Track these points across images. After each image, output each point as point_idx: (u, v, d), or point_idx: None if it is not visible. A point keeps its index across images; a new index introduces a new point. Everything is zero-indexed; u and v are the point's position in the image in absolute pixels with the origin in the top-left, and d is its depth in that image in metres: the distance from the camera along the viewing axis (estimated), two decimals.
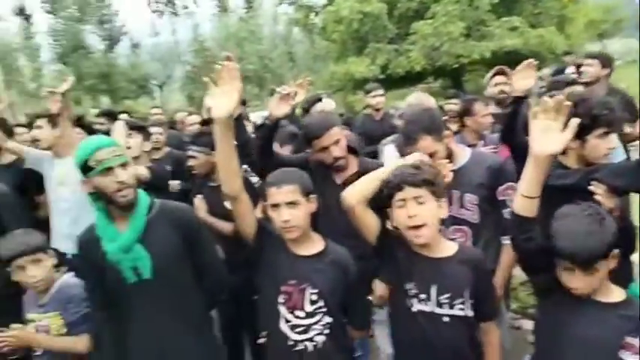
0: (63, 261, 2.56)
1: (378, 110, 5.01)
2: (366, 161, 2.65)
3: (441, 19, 13.53)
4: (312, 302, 1.88)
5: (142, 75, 30.11)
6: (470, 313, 1.81)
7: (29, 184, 3.58)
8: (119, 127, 3.46)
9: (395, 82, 15.19)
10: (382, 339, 2.65)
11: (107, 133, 4.54)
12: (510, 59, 13.41)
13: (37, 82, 31.26)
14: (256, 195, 2.44)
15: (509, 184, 2.34)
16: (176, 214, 2.04)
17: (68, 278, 2.34)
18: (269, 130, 2.56)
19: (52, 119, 3.28)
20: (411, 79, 15.82)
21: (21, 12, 31.93)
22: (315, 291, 1.88)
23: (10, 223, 2.60)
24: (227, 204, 2.02)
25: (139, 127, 3.56)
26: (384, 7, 13.96)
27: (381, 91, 5.03)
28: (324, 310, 1.89)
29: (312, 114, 3.32)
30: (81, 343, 2.20)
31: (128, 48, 32.14)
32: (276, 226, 1.90)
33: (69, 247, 3.03)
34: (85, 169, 1.87)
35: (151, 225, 1.95)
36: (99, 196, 1.91)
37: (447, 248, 1.87)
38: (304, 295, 1.88)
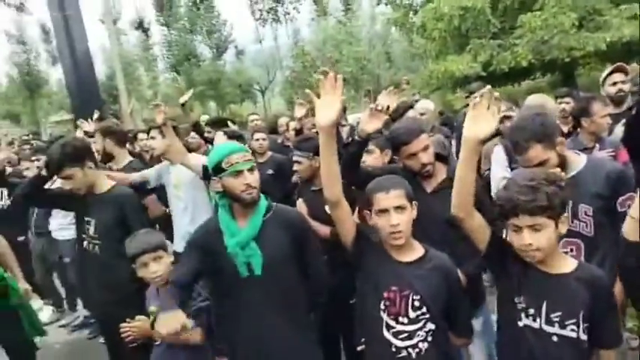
0: (179, 259, 2.77)
1: None
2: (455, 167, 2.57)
3: (551, 10, 12.64)
4: (415, 308, 1.87)
5: (246, 80, 31.57)
6: (583, 336, 1.67)
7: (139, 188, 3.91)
8: (219, 139, 3.75)
9: (498, 78, 14.48)
10: (476, 348, 2.57)
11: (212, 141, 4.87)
12: (629, 51, 12.22)
13: (153, 89, 34.07)
14: (354, 200, 2.47)
15: (631, 194, 2.11)
16: (289, 217, 2.21)
17: None
18: (358, 146, 2.52)
19: (161, 130, 3.57)
20: (515, 75, 14.98)
21: (140, 25, 34.99)
22: (418, 297, 1.87)
23: (135, 223, 2.81)
24: (327, 208, 2.06)
25: (238, 137, 3.74)
26: (487, 0, 13.36)
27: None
28: (427, 316, 1.87)
29: (401, 120, 3.27)
30: (195, 334, 2.35)
31: (234, 55, 33.92)
32: (383, 232, 1.90)
33: None
34: (218, 170, 2.08)
35: (267, 225, 2.12)
36: (225, 194, 2.12)
37: (565, 264, 1.74)
38: (407, 301, 1.87)
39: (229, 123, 5.23)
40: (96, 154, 3.33)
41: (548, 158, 2.07)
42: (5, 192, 4.91)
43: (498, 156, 3.51)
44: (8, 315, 3.26)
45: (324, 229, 2.91)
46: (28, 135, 11.82)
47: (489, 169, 3.63)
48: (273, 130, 5.93)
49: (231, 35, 33.36)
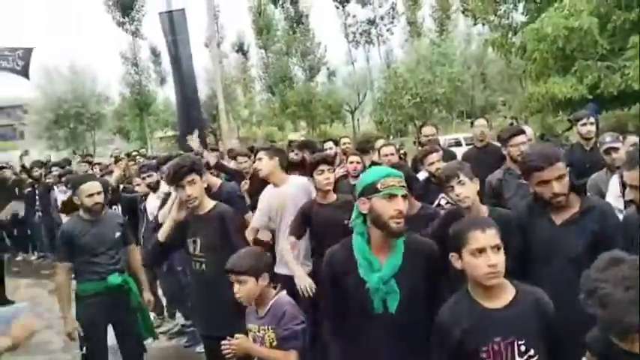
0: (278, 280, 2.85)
1: (588, 140, 4.51)
2: (589, 200, 2.42)
3: None
4: (522, 354, 1.79)
5: (336, 101, 32.11)
6: None
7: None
8: None
9: (606, 102, 13.51)
10: None
11: (302, 162, 4.99)
12: None
13: (249, 109, 35.73)
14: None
15: None
16: (424, 250, 2.12)
17: (283, 296, 2.59)
18: None
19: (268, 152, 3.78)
20: (625, 98, 13.89)
21: (240, 49, 36.98)
22: (523, 341, 1.78)
23: (236, 237, 2.99)
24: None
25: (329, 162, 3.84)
26: (595, 20, 12.58)
27: (592, 119, 4.51)
28: (535, 358, 1.79)
29: (535, 145, 3.15)
30: (289, 357, 2.37)
31: (325, 76, 34.72)
32: (479, 272, 1.82)
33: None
34: (371, 190, 2.02)
35: (405, 260, 2.04)
36: (365, 219, 2.06)
37: None
38: (513, 348, 1.79)
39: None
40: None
41: None
42: (119, 208, 5.39)
43: (613, 187, 3.31)
44: (128, 315, 3.63)
45: None
46: (137, 151, 12.81)
47: None
48: (362, 150, 5.95)
49: (324, 57, 34.24)
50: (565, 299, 1.84)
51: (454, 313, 1.90)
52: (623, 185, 3.20)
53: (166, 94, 34.43)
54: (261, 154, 3.81)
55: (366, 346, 2.07)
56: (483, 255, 1.81)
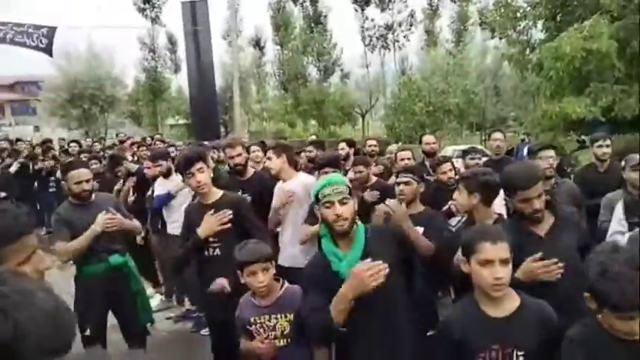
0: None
1: (603, 161, 4.58)
2: (560, 209, 2.66)
3: None
4: None
5: (348, 103, 32.16)
6: None
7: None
8: None
9: (619, 125, 13.55)
10: None
11: (313, 160, 5.12)
12: None
13: (261, 104, 35.83)
14: None
15: None
16: (386, 233, 2.41)
17: (290, 285, 2.71)
18: None
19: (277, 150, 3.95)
20: (639, 123, 13.93)
21: (256, 43, 37.08)
22: (522, 353, 1.84)
23: (252, 224, 3.14)
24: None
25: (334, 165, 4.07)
26: (615, 44, 12.61)
27: (608, 142, 4.58)
28: None
29: (518, 164, 3.34)
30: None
31: (339, 78, 34.76)
32: (484, 282, 1.88)
33: (292, 260, 3.65)
34: (317, 201, 2.27)
35: (369, 244, 2.25)
36: (326, 224, 2.28)
37: None
38: (511, 358, 1.84)
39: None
40: None
41: None
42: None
43: (618, 212, 3.42)
44: (128, 299, 3.66)
45: (427, 243, 3.01)
46: (151, 137, 12.95)
47: (607, 221, 3.51)
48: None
49: (339, 59, 34.29)
50: (568, 307, 1.93)
51: (457, 315, 1.98)
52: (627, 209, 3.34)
53: (180, 82, 34.62)
54: (270, 154, 3.99)
55: (353, 333, 2.18)
56: (490, 267, 1.86)
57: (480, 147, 6.97)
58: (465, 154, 4.92)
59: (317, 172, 4.03)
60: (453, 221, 3.62)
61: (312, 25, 33.84)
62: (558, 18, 14.66)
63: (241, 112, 16.88)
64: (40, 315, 0.89)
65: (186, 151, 3.29)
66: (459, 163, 4.88)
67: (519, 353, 1.83)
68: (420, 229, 3.17)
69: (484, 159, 5.06)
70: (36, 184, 9.54)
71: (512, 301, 1.92)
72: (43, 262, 1.52)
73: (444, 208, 3.80)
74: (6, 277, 0.97)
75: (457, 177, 3.64)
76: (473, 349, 1.86)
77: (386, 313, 2.18)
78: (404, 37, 36.26)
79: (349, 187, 2.30)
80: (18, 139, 10.87)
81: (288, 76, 32.95)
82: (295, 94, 31.83)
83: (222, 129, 23.69)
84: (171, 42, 35.01)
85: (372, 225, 2.38)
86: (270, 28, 36.06)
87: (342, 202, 2.19)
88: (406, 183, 3.36)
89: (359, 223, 2.31)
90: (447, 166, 4.30)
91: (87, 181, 3.56)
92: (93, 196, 3.64)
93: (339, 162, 4.20)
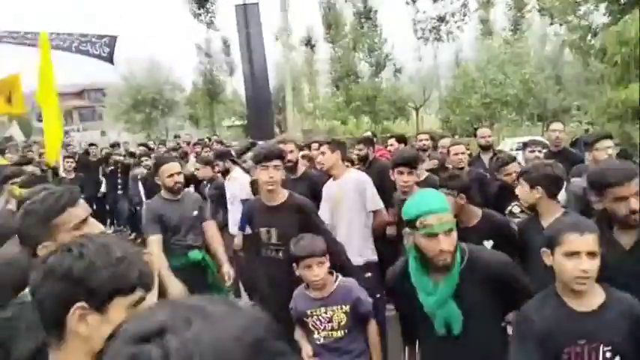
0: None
1: None
2: None
3: None
4: None
5: (401, 98, 31.79)
6: None
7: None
8: None
9: None
10: None
11: (366, 158, 5.15)
12: None
13: (313, 102, 36.08)
14: None
15: None
16: (486, 267, 2.05)
17: (344, 278, 2.79)
18: None
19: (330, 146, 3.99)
20: None
21: (308, 42, 37.36)
22: (609, 348, 1.78)
23: (315, 225, 3.19)
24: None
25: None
26: None
27: None
28: None
29: (610, 161, 3.11)
30: (374, 327, 2.70)
31: (391, 72, 34.40)
32: (568, 275, 1.81)
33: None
34: (412, 225, 1.97)
35: (463, 278, 1.98)
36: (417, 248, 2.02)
37: None
38: (597, 353, 1.78)
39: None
40: None
41: None
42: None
43: None
44: (206, 291, 3.82)
45: None
46: (209, 138, 13.40)
47: None
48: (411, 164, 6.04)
49: (391, 53, 33.94)
50: None
51: (539, 310, 1.89)
52: None
53: (235, 85, 35.43)
54: (323, 148, 4.01)
55: None
56: (576, 259, 1.79)
57: (540, 139, 6.74)
58: (524, 146, 4.80)
59: (391, 171, 3.79)
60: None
61: (363, 20, 33.67)
62: (622, 0, 13.86)
63: (294, 111, 17.08)
64: (110, 259, 1.15)
65: (269, 146, 3.32)
66: (519, 156, 4.76)
67: (606, 349, 1.77)
68: (489, 244, 2.91)
69: (545, 151, 4.91)
70: (104, 185, 10.16)
71: (598, 296, 1.86)
72: (94, 229, 1.73)
73: (508, 208, 3.72)
74: (87, 235, 1.35)
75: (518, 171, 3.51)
76: (558, 345, 1.80)
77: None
78: (457, 27, 35.35)
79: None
80: (91, 144, 11.62)
81: (340, 73, 32.95)
82: (347, 91, 31.80)
83: (276, 129, 24.09)
84: (226, 45, 35.89)
85: (470, 251, 2.07)
86: (321, 26, 36.21)
87: (447, 234, 1.94)
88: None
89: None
90: (512, 166, 3.96)
91: (178, 173, 3.79)
92: (181, 193, 3.88)
93: (417, 161, 3.89)
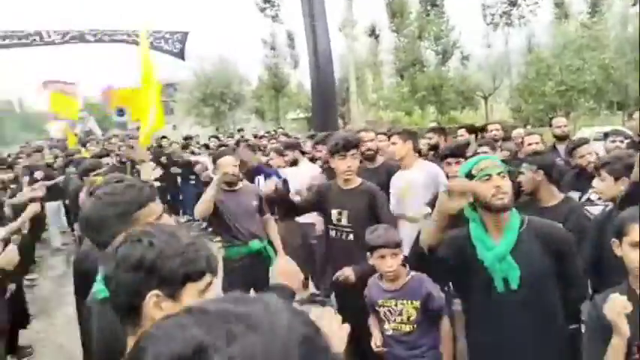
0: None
1: None
2: None
3: None
4: None
5: (469, 87, 30.83)
6: None
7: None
8: None
9: None
10: None
11: (436, 147, 5.06)
12: None
13: (377, 93, 35.75)
14: None
15: None
16: (545, 231, 2.17)
17: (417, 273, 2.76)
18: None
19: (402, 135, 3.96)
20: None
21: (372, 32, 37.01)
22: None
23: (383, 212, 3.24)
24: None
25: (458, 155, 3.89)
26: None
27: None
28: None
29: None
30: (447, 324, 2.69)
31: (458, 60, 33.39)
32: (633, 266, 1.79)
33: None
34: (469, 179, 2.12)
35: (522, 239, 2.09)
36: (475, 206, 2.15)
37: None
38: None
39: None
40: None
41: None
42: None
43: None
44: (262, 278, 3.83)
45: None
46: (275, 130, 13.66)
47: None
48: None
49: (458, 41, 32.94)
50: None
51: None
52: None
53: (299, 77, 35.79)
54: (395, 139, 3.99)
55: (491, 325, 2.13)
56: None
57: (622, 129, 6.33)
58: (605, 136, 4.53)
59: (442, 162, 3.98)
60: (595, 210, 3.34)
61: (429, 8, 32.87)
62: None
63: (358, 103, 17.02)
64: (178, 246, 1.20)
65: (348, 136, 3.41)
66: (597, 147, 4.50)
67: None
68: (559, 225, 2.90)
69: (627, 141, 4.61)
70: (179, 177, 10.63)
71: None
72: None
73: (585, 196, 3.55)
74: (156, 225, 1.41)
75: (597, 163, 3.34)
76: (630, 340, 1.75)
77: (529, 319, 2.08)
78: (530, 11, 33.66)
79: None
80: (163, 137, 12.19)
81: (405, 62, 32.40)
82: (412, 81, 31.23)
83: (340, 120, 24.14)
84: (290, 38, 36.29)
85: (530, 218, 2.20)
86: (385, 16, 35.74)
87: (501, 176, 2.08)
88: (521, 173, 3.12)
89: (514, 211, 2.17)
90: (584, 148, 3.93)
91: (234, 166, 3.97)
92: (240, 184, 4.05)
93: (464, 151, 4.07)
